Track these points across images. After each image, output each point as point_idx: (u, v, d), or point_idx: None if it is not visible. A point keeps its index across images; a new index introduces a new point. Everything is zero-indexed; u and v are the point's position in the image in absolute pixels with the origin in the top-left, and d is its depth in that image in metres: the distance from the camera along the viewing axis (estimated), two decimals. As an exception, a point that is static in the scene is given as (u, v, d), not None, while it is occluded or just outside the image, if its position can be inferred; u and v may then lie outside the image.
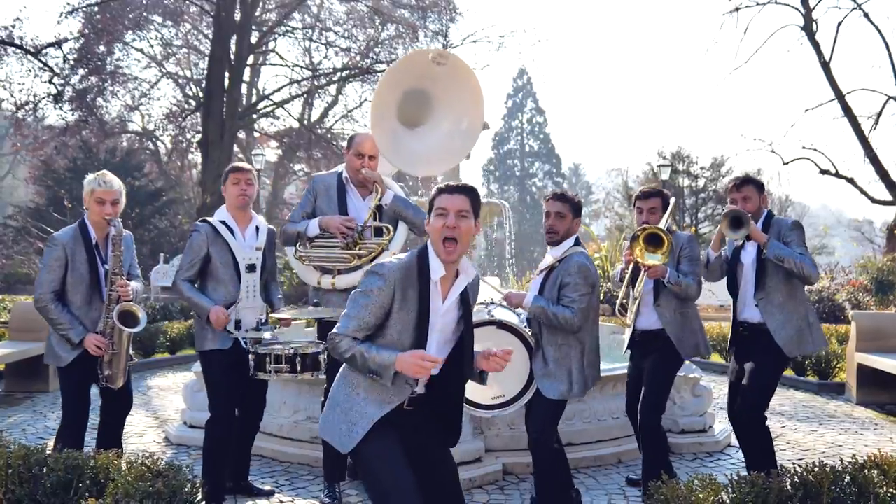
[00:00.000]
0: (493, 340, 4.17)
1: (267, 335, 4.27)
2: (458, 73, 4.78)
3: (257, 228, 4.59)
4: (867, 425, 7.06)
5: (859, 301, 16.30)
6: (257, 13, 26.67)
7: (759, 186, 4.70)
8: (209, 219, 4.53)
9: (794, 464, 3.78)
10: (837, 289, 17.13)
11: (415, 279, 2.90)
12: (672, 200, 4.94)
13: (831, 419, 7.31)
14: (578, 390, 4.18)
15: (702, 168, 31.22)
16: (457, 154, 5.01)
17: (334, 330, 2.92)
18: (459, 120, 4.88)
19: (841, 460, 3.76)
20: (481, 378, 3.20)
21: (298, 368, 4.11)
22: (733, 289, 4.76)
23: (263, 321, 4.45)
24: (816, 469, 3.66)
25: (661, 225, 4.65)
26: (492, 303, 4.49)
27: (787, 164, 24.93)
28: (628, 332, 4.89)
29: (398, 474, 2.84)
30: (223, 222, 4.48)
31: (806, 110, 25.16)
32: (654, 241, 4.45)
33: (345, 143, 4.91)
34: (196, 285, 4.46)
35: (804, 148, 24.39)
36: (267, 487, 4.84)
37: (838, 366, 8.91)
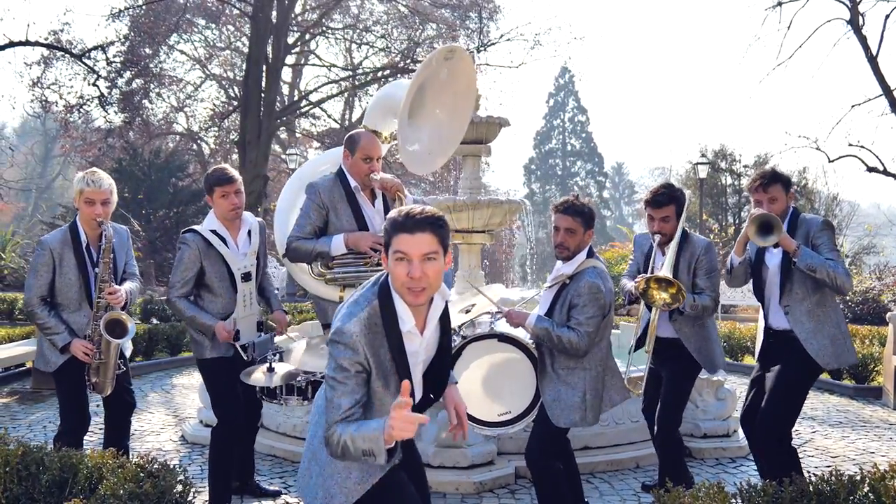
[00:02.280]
0: (497, 354, 4.02)
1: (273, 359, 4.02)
2: (458, 67, 4.70)
3: (249, 232, 4.40)
4: (903, 431, 6.81)
5: (905, 302, 15.83)
6: (297, 14, 26.88)
7: (787, 184, 4.31)
8: (198, 229, 4.26)
9: (809, 472, 3.64)
10: (882, 289, 16.65)
11: (382, 336, 2.48)
12: (686, 203, 4.59)
13: (865, 425, 7.06)
14: (593, 418, 3.92)
15: (745, 166, 30.60)
16: (448, 145, 4.91)
17: (327, 428, 2.46)
18: (449, 107, 4.81)
19: (860, 469, 3.60)
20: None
21: (311, 396, 3.92)
22: (759, 293, 4.47)
23: (262, 325, 4.40)
24: (832, 478, 3.52)
25: (677, 230, 4.42)
26: (497, 312, 4.24)
27: (832, 161, 24.30)
28: (638, 331, 4.67)
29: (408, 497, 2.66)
30: (214, 232, 4.25)
31: (852, 106, 24.46)
32: (664, 282, 4.16)
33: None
34: (191, 299, 4.28)
35: (850, 145, 23.71)
36: (274, 488, 4.82)
37: (876, 369, 8.62)
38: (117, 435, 4.54)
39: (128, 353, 4.50)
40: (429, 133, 5.09)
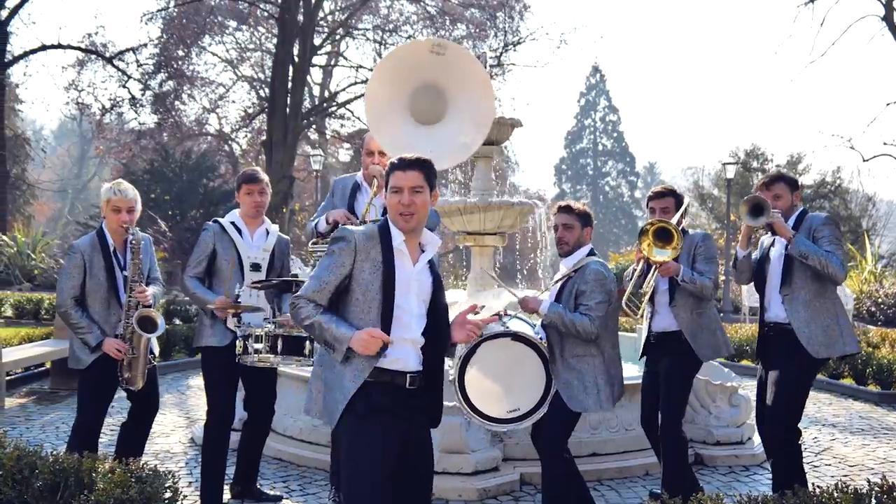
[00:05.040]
0: (509, 353, 4.05)
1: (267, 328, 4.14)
2: (460, 63, 4.61)
3: (267, 232, 4.64)
4: (927, 440, 6.62)
5: (940, 305, 15.47)
6: (325, 15, 27.02)
7: (792, 184, 4.44)
8: (219, 219, 4.59)
9: (814, 485, 3.54)
10: (916, 291, 16.30)
11: (377, 244, 2.97)
12: (686, 200, 4.74)
13: (888, 432, 6.88)
14: (608, 403, 4.09)
15: (777, 166, 30.20)
16: (468, 146, 4.84)
17: (296, 293, 3.00)
18: (468, 111, 4.72)
19: (868, 481, 3.49)
20: (449, 352, 3.24)
21: (279, 349, 4.02)
22: (761, 287, 4.52)
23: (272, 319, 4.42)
24: (837, 491, 3.41)
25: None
26: (507, 314, 4.30)
27: (867, 160, 23.93)
28: (643, 336, 4.69)
29: (374, 474, 2.85)
30: (233, 223, 4.55)
31: (888, 104, 24.06)
32: (663, 237, 4.27)
33: None
34: (204, 284, 4.51)
35: (885, 144, 23.32)
36: (275, 493, 4.81)
37: (902, 374, 8.40)
38: (137, 436, 4.63)
39: (156, 350, 4.63)
40: (441, 139, 5.01)
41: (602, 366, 4.09)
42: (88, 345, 4.36)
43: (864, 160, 24.19)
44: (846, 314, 4.42)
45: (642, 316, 4.57)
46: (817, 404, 7.86)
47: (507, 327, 4.13)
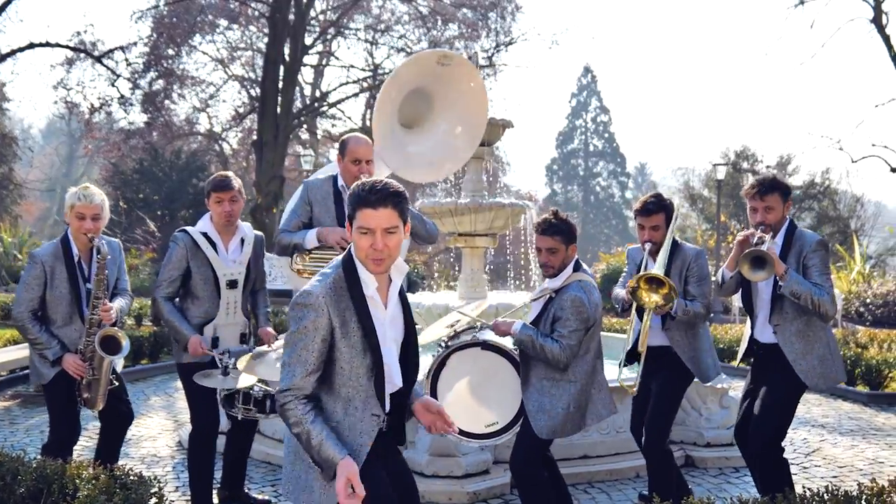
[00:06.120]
0: (481, 363, 3.97)
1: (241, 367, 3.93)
2: (460, 72, 4.61)
3: (242, 241, 4.39)
4: (916, 440, 6.63)
5: (928, 306, 15.53)
6: (316, 14, 26.91)
7: (785, 193, 4.17)
8: (189, 229, 4.29)
9: (805, 487, 3.52)
10: (904, 293, 16.34)
11: (347, 298, 2.61)
12: (676, 208, 4.55)
13: (877, 433, 6.89)
14: (571, 430, 3.91)
15: (767, 166, 30.30)
16: (458, 156, 4.83)
17: (279, 388, 2.57)
18: (460, 120, 4.71)
19: (859, 484, 3.47)
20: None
21: (268, 409, 3.95)
22: (748, 305, 4.38)
23: (247, 336, 4.36)
24: (827, 493, 3.40)
25: (667, 238, 4.36)
26: (482, 326, 4.20)
27: (855, 162, 24.02)
28: (628, 343, 4.52)
29: (382, 491, 2.66)
30: (205, 234, 4.27)
31: (876, 106, 24.23)
32: (655, 282, 4.10)
33: None
34: (176, 301, 4.30)
35: (874, 145, 23.42)
36: (263, 497, 4.77)
37: (891, 375, 8.41)
38: (110, 447, 4.52)
39: (119, 368, 4.48)
40: (431, 145, 4.98)
41: (577, 393, 3.89)
42: (47, 359, 4.18)
43: (852, 161, 24.28)
44: (835, 339, 4.30)
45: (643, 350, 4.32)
46: (806, 405, 7.86)
47: (477, 338, 4.01)
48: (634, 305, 4.38)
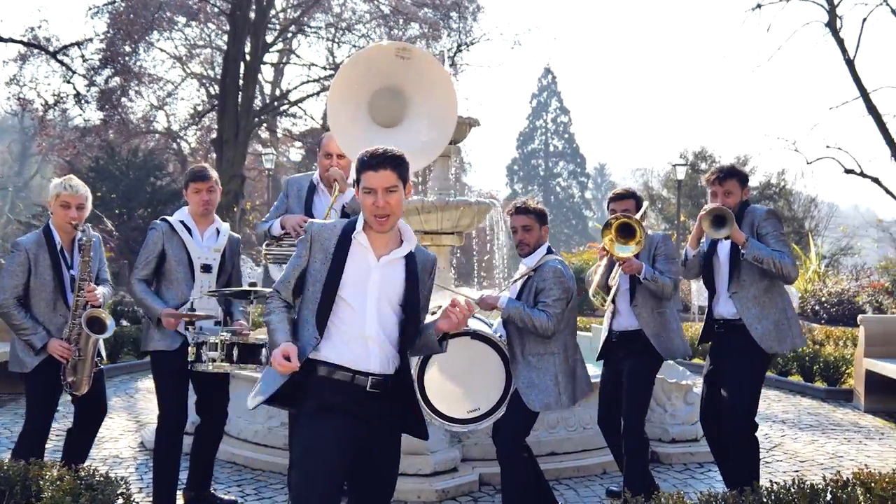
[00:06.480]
0: (469, 352, 4.04)
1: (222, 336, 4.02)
2: (425, 67, 4.57)
3: (218, 231, 4.49)
4: (872, 435, 6.77)
5: (880, 303, 15.88)
6: (277, 12, 26.68)
7: (743, 180, 4.46)
8: (167, 217, 4.43)
9: (771, 481, 3.57)
10: (858, 291, 16.70)
11: (335, 235, 2.92)
12: (646, 203, 4.77)
13: (836, 428, 7.03)
14: (568, 400, 4.11)
15: (725, 167, 30.74)
16: (430, 151, 4.79)
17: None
18: (430, 115, 4.68)
19: (824, 478, 3.54)
20: (441, 344, 3.06)
21: (235, 357, 3.93)
22: (710, 283, 4.56)
23: (221, 325, 4.31)
24: (794, 486, 3.45)
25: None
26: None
27: (810, 163, 24.51)
28: (603, 336, 4.70)
29: (320, 475, 2.76)
30: (182, 222, 4.40)
31: (830, 108, 24.88)
32: (626, 233, 4.30)
33: None
34: (152, 287, 4.37)
35: (828, 147, 23.92)
36: (230, 497, 4.70)
37: (847, 371, 8.59)
38: (83, 442, 4.49)
39: (103, 354, 4.52)
40: (402, 141, 4.93)
41: (562, 364, 4.10)
42: (33, 346, 4.20)
43: (807, 163, 24.76)
44: (793, 308, 4.49)
45: (613, 301, 4.56)
46: (767, 401, 7.98)
47: (467, 326, 4.13)
48: (611, 295, 4.52)
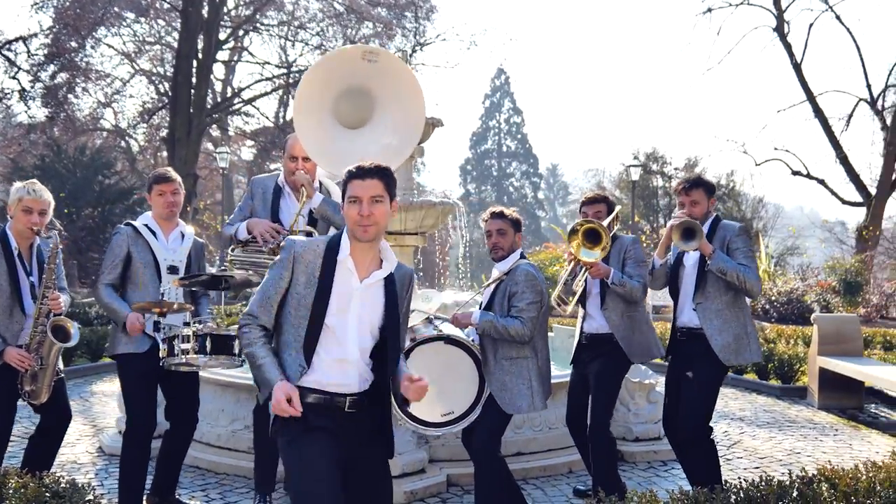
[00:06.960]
0: (442, 356, 4.05)
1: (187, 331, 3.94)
2: (392, 70, 4.54)
3: (182, 235, 4.44)
4: (827, 431, 6.93)
5: (828, 302, 16.28)
6: (229, 10, 26.33)
7: (709, 190, 4.55)
8: (132, 222, 4.37)
9: (739, 478, 3.63)
10: (806, 290, 17.10)
11: (320, 256, 2.85)
12: (617, 207, 4.86)
13: (791, 425, 7.18)
14: (540, 403, 4.16)
15: (675, 168, 31.27)
16: (397, 153, 4.76)
17: (245, 310, 2.90)
18: (397, 117, 4.65)
19: (789, 473, 3.60)
20: (402, 407, 3.04)
21: (209, 349, 3.85)
22: (675, 292, 4.63)
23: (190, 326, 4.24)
24: (762, 483, 3.51)
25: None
26: (437, 318, 4.32)
27: (759, 165, 25.07)
28: (576, 339, 4.76)
29: (319, 478, 2.71)
30: (146, 226, 4.34)
31: (778, 111, 25.50)
32: (592, 238, 4.36)
33: None
34: (118, 292, 4.29)
35: (776, 149, 24.49)
36: (195, 502, 4.63)
37: (801, 369, 8.78)
38: (47, 450, 4.37)
39: (60, 365, 4.37)
40: (369, 143, 4.89)
41: (535, 368, 4.15)
42: None
43: (756, 164, 25.30)
44: (753, 324, 4.59)
45: (580, 304, 4.63)
46: (724, 399, 8.12)
47: (441, 331, 4.13)
48: (575, 298, 4.58)
